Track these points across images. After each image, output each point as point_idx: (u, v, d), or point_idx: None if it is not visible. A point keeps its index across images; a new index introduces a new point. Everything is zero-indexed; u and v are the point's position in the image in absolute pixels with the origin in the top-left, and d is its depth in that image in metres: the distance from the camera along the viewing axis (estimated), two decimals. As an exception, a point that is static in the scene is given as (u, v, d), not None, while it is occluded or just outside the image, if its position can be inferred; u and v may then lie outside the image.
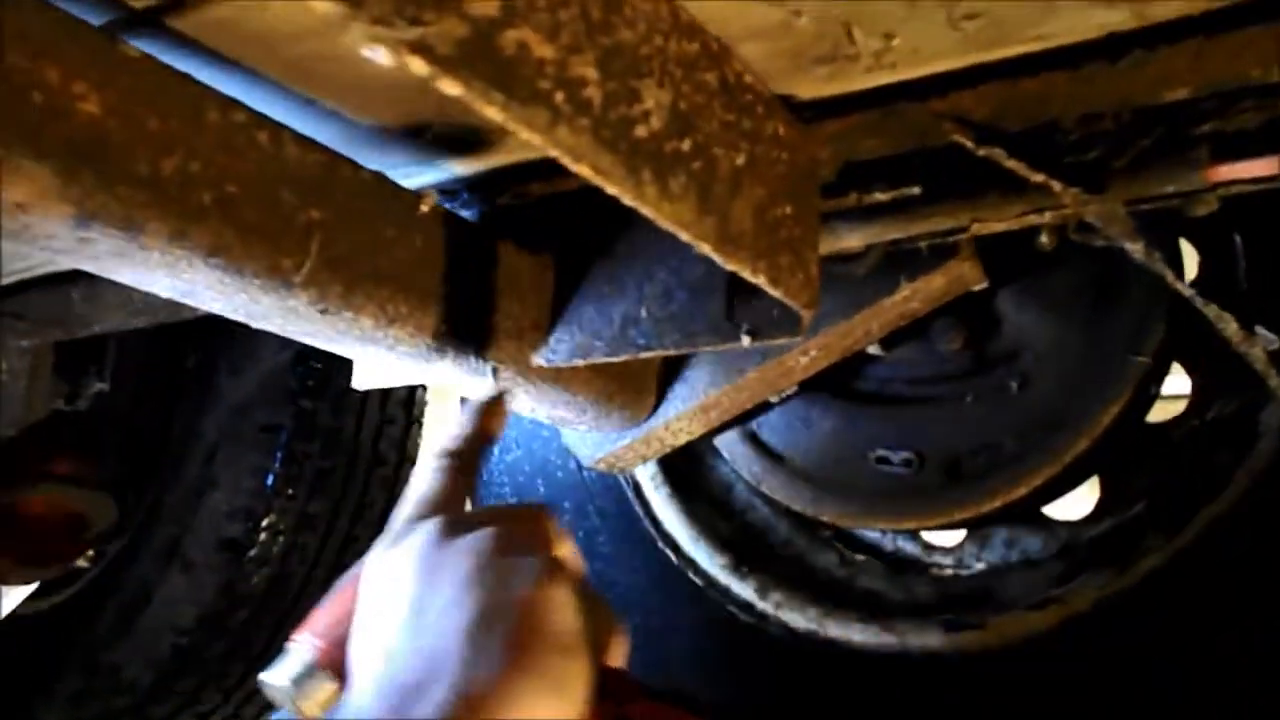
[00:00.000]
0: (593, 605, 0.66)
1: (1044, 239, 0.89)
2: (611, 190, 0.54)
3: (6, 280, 1.28)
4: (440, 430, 0.76)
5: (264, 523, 1.52)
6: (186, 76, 0.61)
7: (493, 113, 0.46)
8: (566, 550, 0.70)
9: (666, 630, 1.18)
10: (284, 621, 1.60)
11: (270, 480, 1.54)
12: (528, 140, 0.88)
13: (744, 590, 1.15)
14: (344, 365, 1.66)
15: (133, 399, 1.65)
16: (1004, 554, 1.10)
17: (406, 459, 1.72)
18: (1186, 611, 0.89)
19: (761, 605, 1.13)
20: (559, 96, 0.49)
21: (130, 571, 1.60)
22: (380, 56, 0.57)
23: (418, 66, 0.43)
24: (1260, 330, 0.66)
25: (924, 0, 0.59)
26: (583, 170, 0.52)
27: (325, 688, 0.70)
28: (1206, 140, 0.68)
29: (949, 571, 1.12)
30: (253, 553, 1.52)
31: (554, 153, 0.50)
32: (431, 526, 0.68)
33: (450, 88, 0.44)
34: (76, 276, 1.25)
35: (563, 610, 0.62)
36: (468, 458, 0.75)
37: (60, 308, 1.29)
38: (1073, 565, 1.01)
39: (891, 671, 1.03)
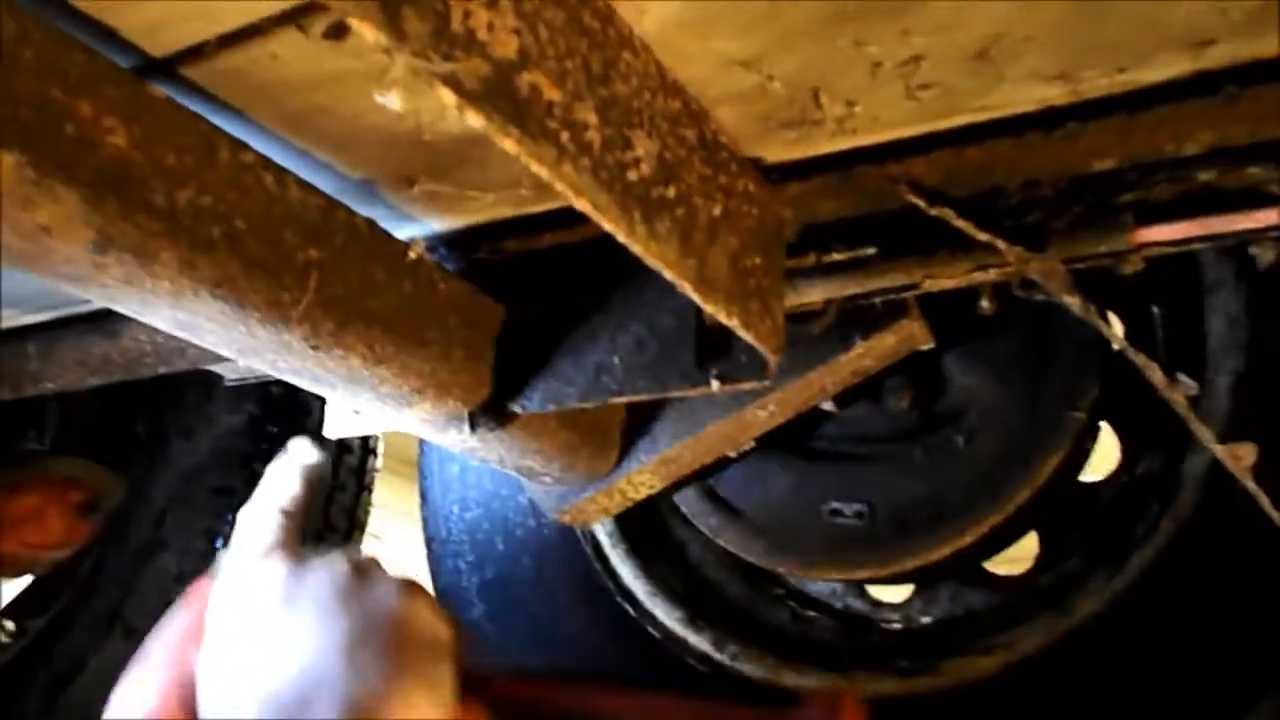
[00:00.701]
0: (446, 615, 0.72)
1: (985, 304, 0.96)
2: (607, 226, 0.59)
3: (-44, 336, 1.27)
4: (272, 480, 0.79)
5: (211, 587, 1.49)
6: (201, 117, 0.65)
7: (509, 145, 0.51)
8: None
9: (625, 682, 1.19)
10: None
11: (220, 542, 1.53)
12: (501, 200, 0.93)
13: (701, 642, 1.18)
14: (298, 429, 1.68)
15: (22, 461, 1.61)
16: (949, 609, 1.14)
17: (356, 525, 1.71)
18: (1124, 649, 0.94)
19: (718, 656, 1.16)
20: (565, 136, 0.54)
21: (62, 642, 1.55)
22: (393, 103, 0.62)
23: (448, 98, 0.47)
24: (1181, 377, 0.72)
25: (885, 70, 0.66)
26: (583, 205, 0.57)
27: None
28: (1131, 207, 0.75)
29: (897, 626, 1.16)
30: (198, 618, 1.48)
31: (559, 187, 0.55)
32: (278, 564, 0.71)
33: (475, 120, 0.49)
34: (32, 331, 1.25)
35: (428, 620, 0.69)
36: (297, 515, 0.78)
37: (14, 366, 1.28)
38: (1015, 616, 1.06)
39: (847, 717, 1.05)
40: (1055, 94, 0.68)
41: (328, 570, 0.70)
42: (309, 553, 0.72)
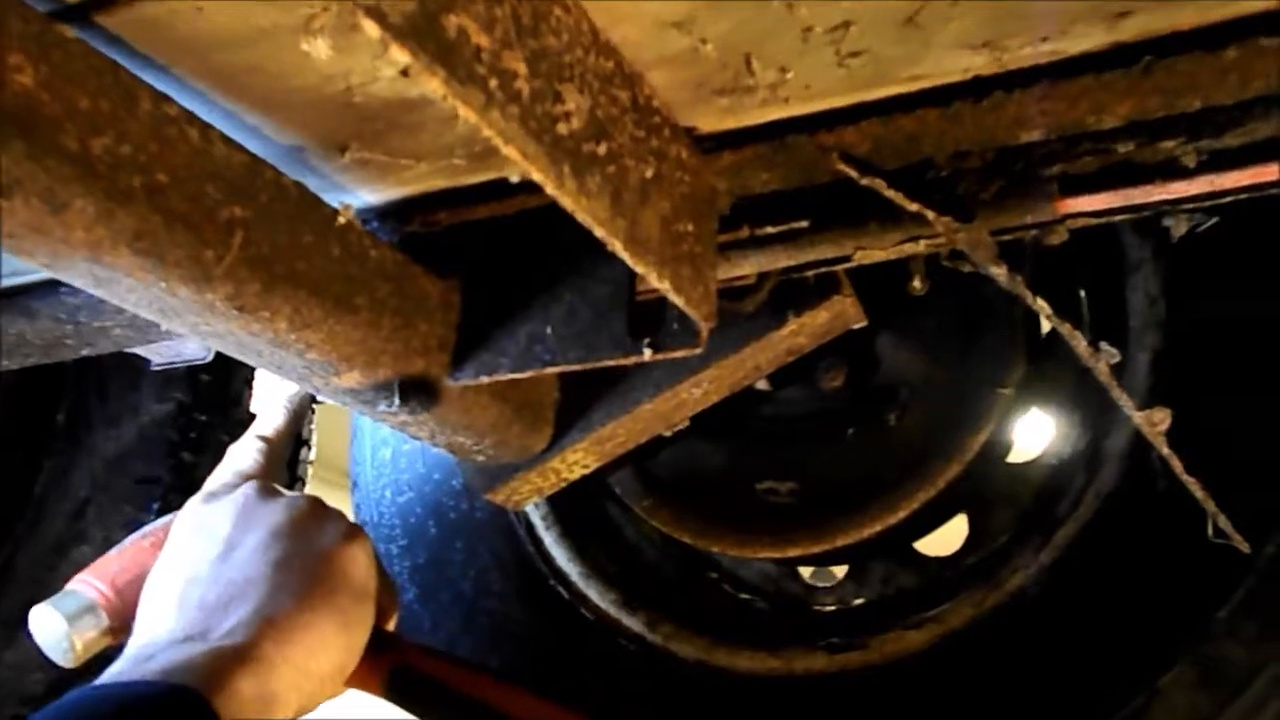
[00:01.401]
0: (381, 573, 0.79)
1: (916, 283, 0.98)
2: (535, 177, 0.58)
3: None
4: (260, 415, 0.88)
5: (133, 578, 1.46)
6: (119, 65, 0.63)
7: (435, 85, 0.50)
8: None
9: (559, 664, 1.18)
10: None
11: (143, 534, 1.48)
12: (434, 170, 0.92)
13: (634, 624, 1.17)
14: (227, 419, 1.64)
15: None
16: (880, 589, 1.15)
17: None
18: (1051, 622, 0.96)
19: (652, 638, 1.16)
20: (493, 83, 0.54)
21: (-33, 642, 1.49)
22: (320, 50, 0.61)
23: (372, 31, 0.46)
24: (1104, 346, 0.74)
25: (816, 35, 0.66)
26: (510, 153, 0.56)
27: (100, 631, 0.75)
28: (1056, 179, 0.77)
29: (830, 607, 1.17)
30: (119, 609, 1.44)
31: (486, 133, 0.54)
32: (250, 487, 0.80)
33: (399, 55, 0.48)
34: (-53, 309, 1.20)
35: (359, 565, 0.75)
36: (278, 443, 0.89)
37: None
38: (944, 593, 1.07)
39: (778, 694, 1.06)
40: (981, 63, 0.69)
41: (289, 502, 0.77)
42: (282, 489, 0.80)
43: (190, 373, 1.56)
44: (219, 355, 1.15)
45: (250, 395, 1.67)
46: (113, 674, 0.65)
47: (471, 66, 0.52)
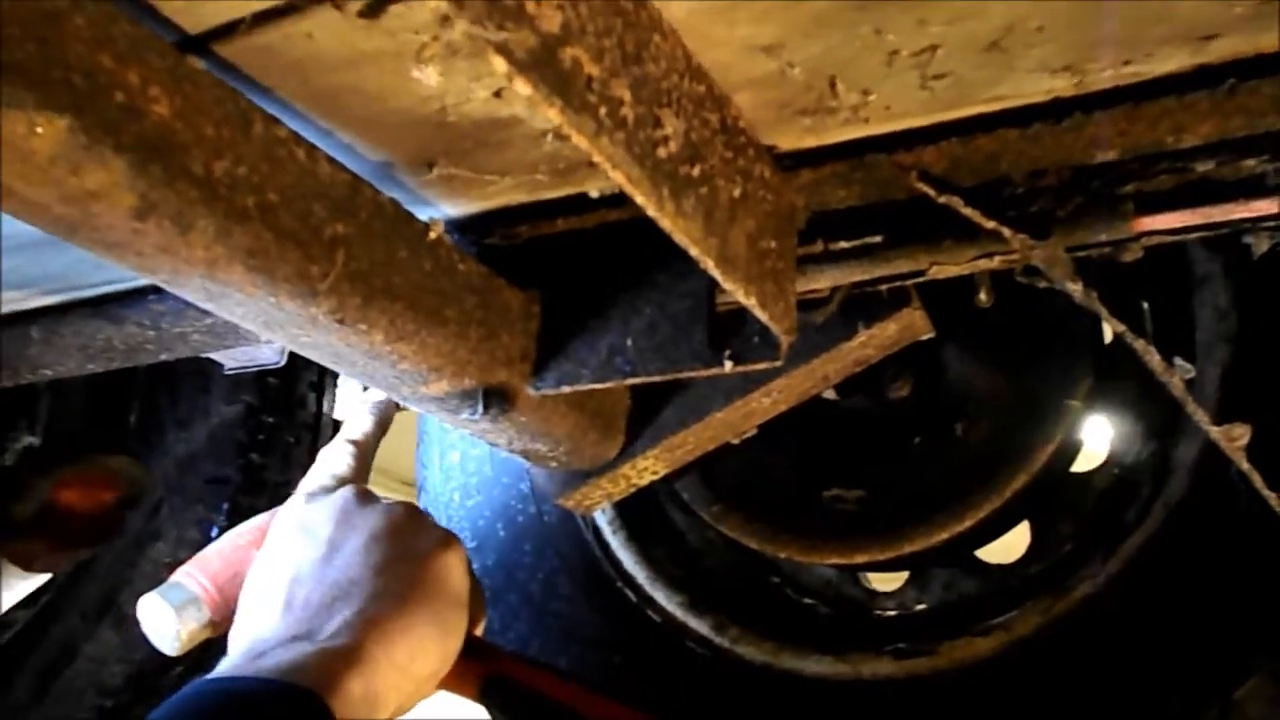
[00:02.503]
0: (473, 580, 0.81)
1: (983, 295, 0.99)
2: (639, 200, 0.61)
3: (-45, 320, 1.27)
4: (349, 419, 0.91)
5: (206, 575, 1.50)
6: (237, 91, 0.67)
7: (553, 115, 0.53)
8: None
9: (627, 665, 1.21)
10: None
11: (214, 533, 1.53)
12: (517, 185, 0.95)
13: (701, 627, 1.20)
14: (293, 421, 1.68)
15: (68, 453, 1.62)
16: (943, 595, 1.17)
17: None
18: (1121, 631, 0.97)
19: (719, 640, 1.18)
20: (603, 111, 0.56)
21: (54, 630, 1.55)
22: (429, 78, 0.64)
23: (500, 66, 0.49)
24: (1178, 361, 0.75)
25: (901, 59, 0.68)
26: (618, 178, 0.58)
27: (201, 624, 0.78)
28: (1132, 196, 0.78)
29: (892, 612, 1.18)
30: (192, 607, 1.49)
31: (596, 159, 0.57)
32: (348, 491, 0.83)
33: (523, 88, 0.51)
34: (36, 316, 1.25)
35: (455, 571, 0.78)
36: (368, 447, 0.91)
37: (15, 350, 1.28)
38: (1011, 602, 1.08)
39: (847, 698, 1.08)
40: (1062, 85, 0.71)
41: (387, 508, 0.80)
42: (376, 493, 0.83)
43: (258, 376, 1.61)
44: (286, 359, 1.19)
45: (313, 398, 1.71)
46: (227, 669, 0.69)
47: (584, 96, 0.55)
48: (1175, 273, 1.05)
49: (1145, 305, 1.09)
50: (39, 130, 0.51)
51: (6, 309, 1.22)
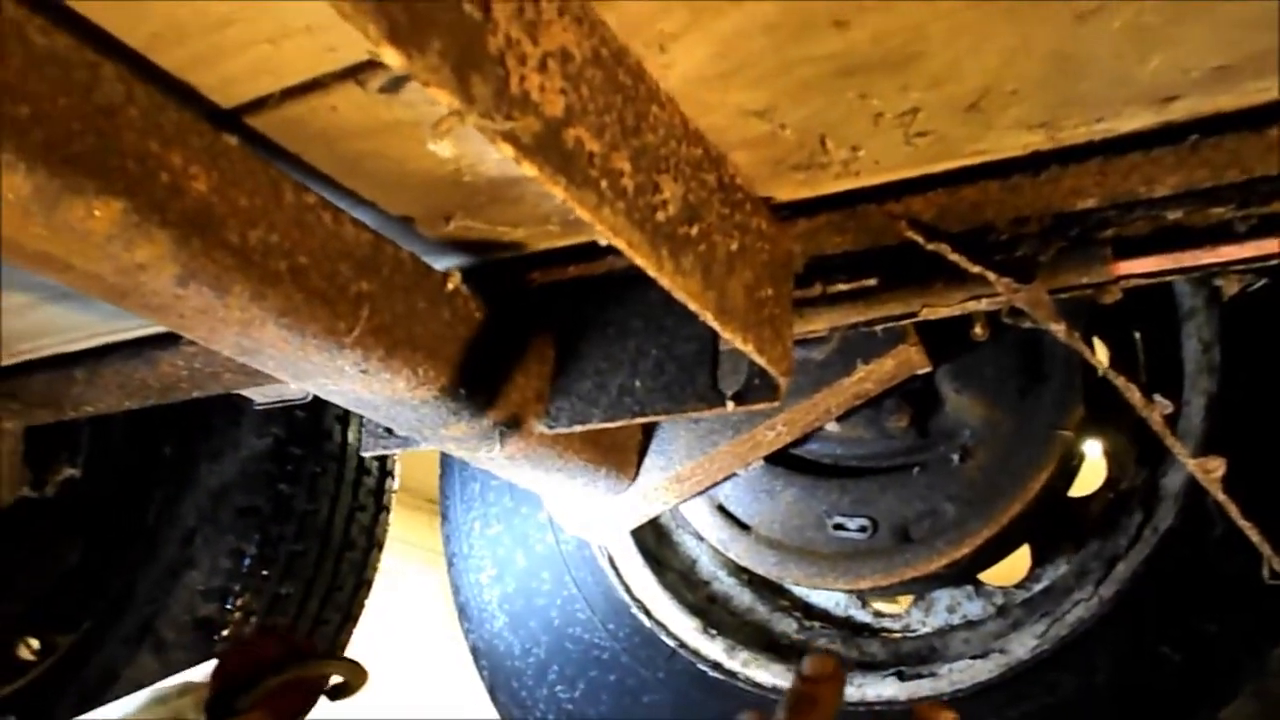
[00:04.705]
0: None
1: (978, 330, 1.03)
2: (639, 262, 0.66)
3: (8, 361, 1.34)
4: None
5: (238, 603, 1.56)
6: (268, 162, 0.72)
7: (557, 191, 0.58)
8: None
9: (642, 687, 1.25)
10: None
11: (246, 561, 1.59)
12: (530, 235, 1.00)
13: (713, 651, 1.24)
14: (320, 452, 1.74)
15: (106, 485, 1.69)
16: (947, 618, 1.21)
17: (375, 544, 1.78)
18: (1112, 653, 1.00)
19: (730, 664, 1.22)
20: (604, 183, 0.61)
21: (95, 656, 1.61)
22: (444, 150, 0.69)
23: (507, 152, 0.54)
24: (1158, 398, 0.79)
25: (886, 119, 0.73)
26: (619, 244, 0.63)
27: None
28: (1110, 242, 0.82)
29: (897, 635, 1.22)
30: (225, 632, 1.55)
31: (598, 229, 0.62)
32: None
33: (529, 169, 0.56)
34: (80, 357, 1.32)
35: None
36: None
37: (60, 389, 1.35)
38: (1009, 624, 1.12)
39: (853, 719, 1.12)
40: (1038, 140, 0.76)
41: None
42: None
43: (286, 410, 1.66)
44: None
45: (339, 430, 1.77)
46: None
47: (586, 172, 0.60)
48: (1163, 306, 1.09)
49: (1137, 336, 1.13)
50: (97, 213, 0.57)
51: (49, 352, 1.29)
